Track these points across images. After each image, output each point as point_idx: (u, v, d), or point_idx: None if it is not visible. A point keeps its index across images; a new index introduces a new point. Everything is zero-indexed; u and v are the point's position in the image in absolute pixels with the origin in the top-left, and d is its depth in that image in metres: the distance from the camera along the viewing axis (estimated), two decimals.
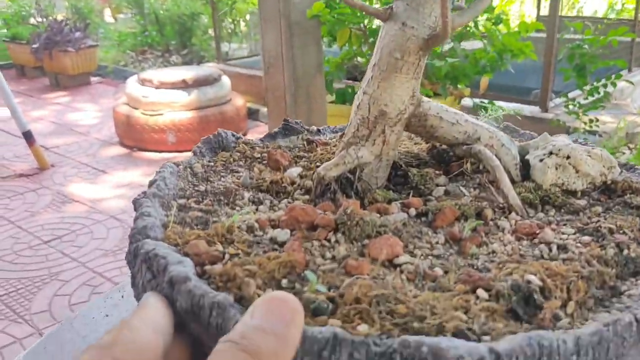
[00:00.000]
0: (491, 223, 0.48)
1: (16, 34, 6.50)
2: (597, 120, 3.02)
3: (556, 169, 0.52)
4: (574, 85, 3.17)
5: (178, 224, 0.46)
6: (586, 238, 0.45)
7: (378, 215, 0.47)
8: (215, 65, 5.38)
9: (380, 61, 0.49)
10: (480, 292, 0.37)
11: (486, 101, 2.94)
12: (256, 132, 4.46)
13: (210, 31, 6.79)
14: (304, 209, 0.45)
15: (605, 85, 3.01)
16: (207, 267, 0.39)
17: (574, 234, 0.46)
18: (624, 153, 3.15)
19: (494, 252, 0.44)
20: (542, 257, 0.43)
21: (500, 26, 2.79)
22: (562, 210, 0.50)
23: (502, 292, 0.37)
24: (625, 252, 0.43)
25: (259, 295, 0.36)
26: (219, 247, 0.42)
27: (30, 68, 6.44)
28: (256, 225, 0.46)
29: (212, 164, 0.60)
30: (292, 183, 0.54)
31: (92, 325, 0.71)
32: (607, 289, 0.39)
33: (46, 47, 5.86)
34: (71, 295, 2.36)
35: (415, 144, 0.66)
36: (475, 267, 0.41)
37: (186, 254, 0.40)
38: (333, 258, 0.42)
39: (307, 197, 0.51)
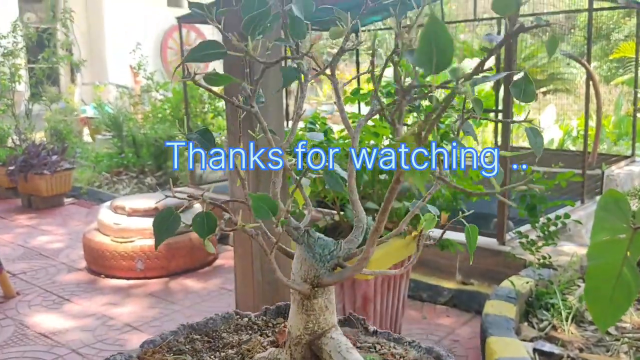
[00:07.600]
0: None
1: None
2: (550, 257, 3.18)
3: None
4: None
5: None
6: None
7: None
8: (187, 190, 5.52)
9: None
10: None
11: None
12: (225, 258, 4.50)
13: (186, 153, 7.02)
14: None
15: (555, 225, 3.19)
16: None
17: None
18: (579, 286, 3.28)
19: None
20: None
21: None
22: None
23: None
24: None
25: None
26: None
27: (3, 189, 6.52)
28: None
29: None
30: None
31: None
32: None
33: (22, 170, 5.97)
34: None
35: None
36: None
37: None
38: None
39: None
